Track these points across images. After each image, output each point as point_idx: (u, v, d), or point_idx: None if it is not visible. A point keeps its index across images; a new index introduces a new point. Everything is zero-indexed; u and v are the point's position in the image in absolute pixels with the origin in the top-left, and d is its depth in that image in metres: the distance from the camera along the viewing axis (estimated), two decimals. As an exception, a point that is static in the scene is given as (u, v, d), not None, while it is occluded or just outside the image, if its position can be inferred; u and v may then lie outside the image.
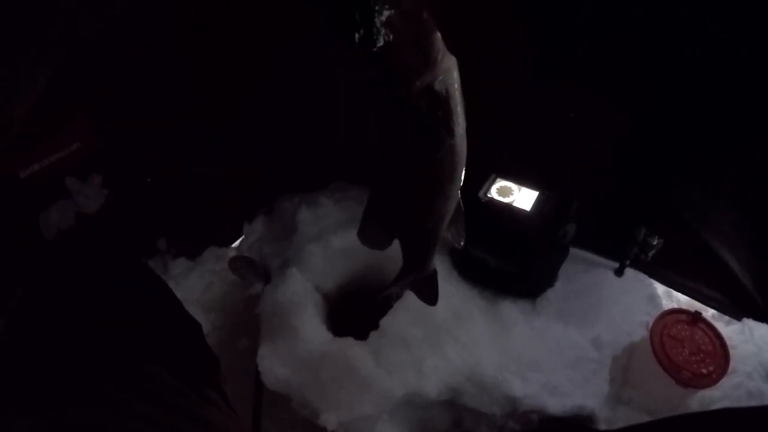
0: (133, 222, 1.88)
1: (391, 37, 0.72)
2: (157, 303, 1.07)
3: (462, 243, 0.98)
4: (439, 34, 0.76)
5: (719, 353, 1.57)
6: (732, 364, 1.56)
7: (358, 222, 0.94)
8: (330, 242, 1.78)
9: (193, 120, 1.72)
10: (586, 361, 1.68)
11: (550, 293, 1.77)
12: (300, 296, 1.69)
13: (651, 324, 1.63)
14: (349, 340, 1.60)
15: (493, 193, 1.68)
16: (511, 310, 1.71)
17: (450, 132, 0.80)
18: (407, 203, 0.92)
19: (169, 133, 1.71)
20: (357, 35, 0.73)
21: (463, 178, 0.88)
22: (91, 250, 1.37)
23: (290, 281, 1.71)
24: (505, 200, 1.67)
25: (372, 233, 0.98)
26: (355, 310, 1.70)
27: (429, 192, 0.89)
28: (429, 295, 1.17)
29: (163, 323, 0.98)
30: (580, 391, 1.66)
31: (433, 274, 1.11)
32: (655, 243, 1.74)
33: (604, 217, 1.73)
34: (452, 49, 0.79)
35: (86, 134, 1.59)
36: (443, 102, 0.78)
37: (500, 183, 1.71)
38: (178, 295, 2.14)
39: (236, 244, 2.14)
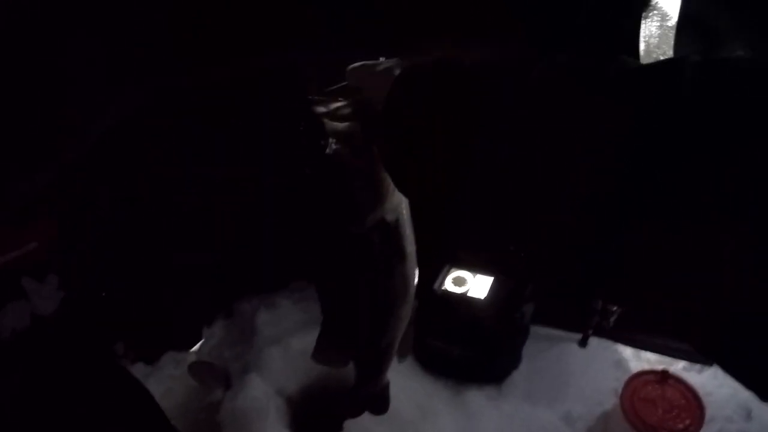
0: (89, 325, 1.82)
1: (340, 168, 0.73)
2: (136, 415, 0.98)
3: (406, 359, 0.98)
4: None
5: (693, 405, 1.55)
6: (710, 412, 1.54)
7: (318, 322, 0.94)
8: (290, 344, 1.73)
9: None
10: (557, 445, 1.65)
11: (515, 375, 1.74)
12: (261, 403, 1.63)
13: (620, 390, 1.61)
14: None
15: (448, 283, 1.67)
16: (476, 397, 1.67)
17: (402, 256, 0.82)
18: (361, 326, 0.91)
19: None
20: (306, 168, 0.74)
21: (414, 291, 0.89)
22: (48, 353, 1.30)
23: (250, 387, 1.65)
24: (460, 290, 1.66)
25: (327, 355, 0.97)
26: (319, 413, 1.64)
27: (383, 316, 0.90)
28: (379, 407, 1.15)
29: None
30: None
31: (385, 388, 1.09)
32: (614, 309, 1.75)
33: (561, 292, 1.73)
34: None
35: (45, 234, 1.57)
36: (394, 231, 0.79)
37: (455, 273, 1.70)
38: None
39: (196, 348, 2.07)
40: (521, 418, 1.63)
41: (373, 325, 0.90)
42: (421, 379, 1.65)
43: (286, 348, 1.71)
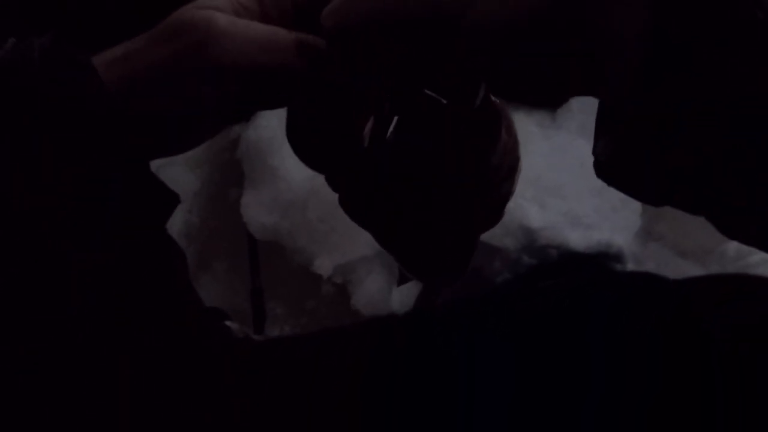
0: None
1: None
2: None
3: None
4: None
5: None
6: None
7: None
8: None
9: None
10: (615, 187, 1.38)
11: (573, 103, 1.41)
12: (275, 131, 1.41)
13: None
14: (336, 172, 1.34)
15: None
16: (526, 123, 1.35)
17: None
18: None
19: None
20: None
21: None
22: None
23: (262, 116, 1.42)
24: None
25: None
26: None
27: None
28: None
29: None
30: (607, 223, 1.37)
31: None
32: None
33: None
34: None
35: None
36: None
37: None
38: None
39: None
40: (575, 154, 1.34)
41: None
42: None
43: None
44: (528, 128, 1.37)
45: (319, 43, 0.47)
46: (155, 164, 0.65)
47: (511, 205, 1.29)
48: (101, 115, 0.45)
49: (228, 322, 1.42)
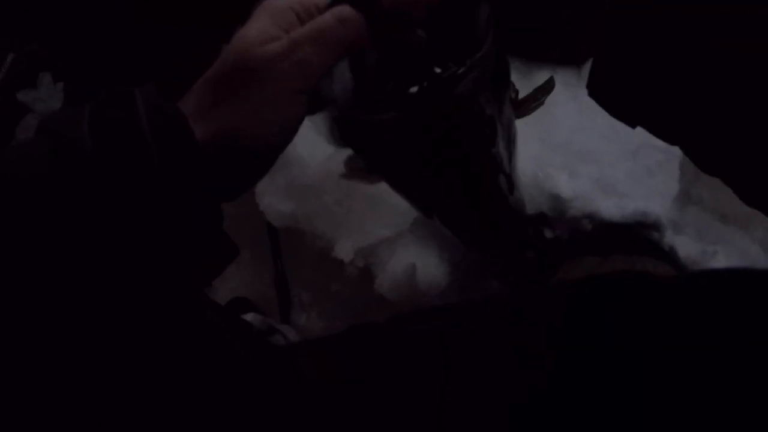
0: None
1: None
2: None
3: None
4: None
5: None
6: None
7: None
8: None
9: None
10: (650, 150, 1.23)
11: None
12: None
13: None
14: (350, 152, 1.26)
15: None
16: None
17: None
18: None
19: None
20: None
21: None
22: None
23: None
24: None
25: None
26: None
27: None
28: None
29: None
30: (642, 189, 1.25)
31: None
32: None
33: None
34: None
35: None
36: None
37: None
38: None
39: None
40: (604, 114, 1.17)
41: None
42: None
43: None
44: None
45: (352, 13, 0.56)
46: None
47: (539, 174, 1.19)
48: (192, 168, 0.51)
49: (251, 315, 1.35)
